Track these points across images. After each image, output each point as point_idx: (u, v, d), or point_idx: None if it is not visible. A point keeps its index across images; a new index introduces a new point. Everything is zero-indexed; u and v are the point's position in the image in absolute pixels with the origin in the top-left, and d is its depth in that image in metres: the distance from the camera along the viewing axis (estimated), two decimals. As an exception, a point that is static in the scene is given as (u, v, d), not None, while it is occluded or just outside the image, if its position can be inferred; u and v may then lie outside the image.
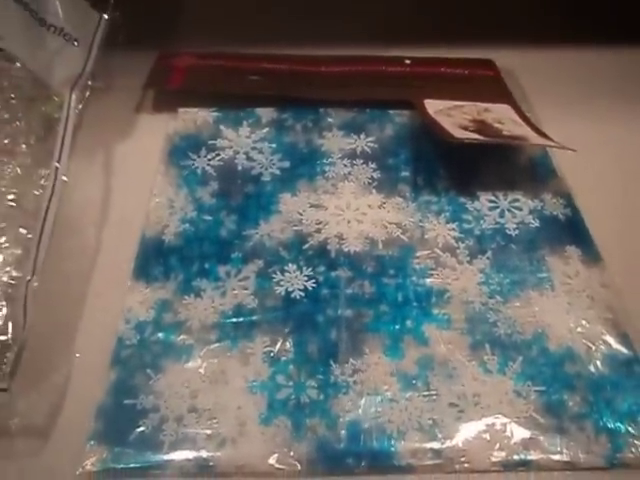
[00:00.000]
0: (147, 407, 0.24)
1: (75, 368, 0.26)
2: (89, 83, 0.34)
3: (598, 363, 0.26)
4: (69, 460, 0.23)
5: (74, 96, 0.32)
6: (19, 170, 0.28)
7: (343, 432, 0.24)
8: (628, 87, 0.38)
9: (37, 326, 0.25)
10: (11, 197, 0.26)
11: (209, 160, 0.34)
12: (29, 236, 0.25)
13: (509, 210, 0.32)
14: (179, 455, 0.23)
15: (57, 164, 0.28)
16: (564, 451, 0.23)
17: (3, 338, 0.23)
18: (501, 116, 0.36)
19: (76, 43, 0.33)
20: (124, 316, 0.27)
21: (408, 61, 0.40)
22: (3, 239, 0.25)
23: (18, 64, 0.30)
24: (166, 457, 0.23)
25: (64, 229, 0.29)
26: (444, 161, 0.34)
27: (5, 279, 0.24)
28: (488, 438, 0.24)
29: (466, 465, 0.23)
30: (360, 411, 0.24)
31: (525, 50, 0.41)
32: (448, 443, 0.23)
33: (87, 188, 0.32)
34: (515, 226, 0.31)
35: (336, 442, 0.23)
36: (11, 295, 0.24)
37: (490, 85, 0.39)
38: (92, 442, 0.23)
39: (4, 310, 0.24)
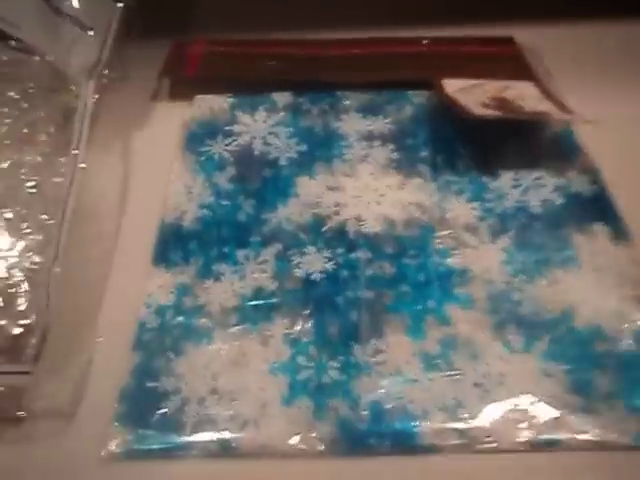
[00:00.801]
0: (169, 389, 0.24)
1: (97, 352, 0.26)
2: (105, 72, 0.34)
3: (628, 341, 0.25)
4: (93, 442, 0.23)
5: (91, 85, 0.32)
6: (39, 158, 0.28)
7: (365, 412, 0.23)
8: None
9: (59, 311, 0.25)
10: (31, 184, 0.27)
11: (226, 145, 0.34)
12: (50, 222, 0.26)
13: (532, 188, 0.31)
14: (201, 436, 0.23)
15: (76, 151, 0.28)
16: (593, 430, 0.23)
17: (27, 322, 0.23)
18: (523, 93, 0.35)
19: (92, 32, 0.33)
20: (145, 300, 0.27)
21: (426, 41, 0.39)
22: (25, 225, 0.25)
23: (36, 56, 0.30)
24: (188, 438, 0.23)
25: (84, 216, 0.29)
26: (464, 140, 0.33)
27: (27, 264, 0.24)
28: (514, 418, 0.23)
29: (492, 445, 0.23)
30: (382, 391, 0.24)
31: (546, 26, 0.40)
32: (473, 423, 0.23)
33: (105, 176, 0.32)
34: (539, 204, 0.30)
35: (358, 422, 0.23)
36: (34, 280, 0.24)
37: (511, 62, 0.38)
38: (115, 424, 0.23)
39: (28, 295, 0.24)
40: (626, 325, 0.26)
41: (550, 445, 0.23)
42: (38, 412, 0.24)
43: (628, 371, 0.24)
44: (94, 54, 0.33)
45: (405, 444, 0.23)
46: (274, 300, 0.27)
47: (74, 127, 0.30)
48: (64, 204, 0.26)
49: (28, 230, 0.25)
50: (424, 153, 0.33)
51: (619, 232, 0.29)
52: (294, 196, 0.31)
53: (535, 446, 0.23)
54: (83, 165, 0.29)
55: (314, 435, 0.23)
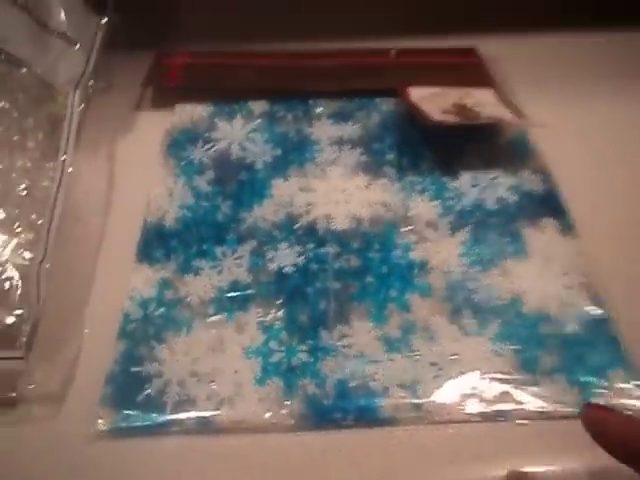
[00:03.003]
0: (152, 373, 0.26)
1: (85, 342, 0.28)
2: (91, 83, 0.36)
3: (571, 323, 0.28)
4: (82, 422, 0.25)
5: (77, 95, 0.34)
6: (29, 163, 0.30)
7: (331, 390, 0.26)
8: (602, 71, 0.40)
9: (50, 305, 0.27)
10: (23, 187, 0.29)
11: (205, 151, 0.36)
12: (40, 222, 0.28)
13: (489, 187, 0.34)
14: (181, 415, 0.25)
15: (63, 157, 0.31)
16: (538, 402, 0.25)
17: (19, 312, 0.25)
18: (482, 100, 0.38)
19: (77, 45, 0.35)
20: (129, 294, 0.29)
21: (393, 52, 0.42)
22: (17, 224, 0.27)
23: (25, 69, 0.32)
24: (170, 417, 0.25)
25: (72, 217, 0.31)
26: (427, 144, 0.36)
27: (19, 261, 0.26)
28: (466, 392, 0.25)
29: (446, 417, 0.25)
30: (347, 371, 0.26)
31: (506, 38, 0.43)
32: (429, 398, 0.25)
33: (92, 179, 0.34)
34: (494, 202, 0.33)
35: (325, 399, 0.25)
36: (25, 275, 0.26)
37: (473, 71, 0.41)
38: (103, 405, 0.25)
39: (20, 288, 0.26)
40: (569, 310, 0.28)
41: (499, 416, 0.25)
42: (31, 396, 0.25)
43: (570, 350, 0.27)
44: (80, 66, 0.35)
45: (368, 418, 0.25)
46: (249, 291, 0.29)
47: (62, 134, 0.32)
48: (53, 206, 0.28)
49: (19, 229, 0.27)
50: (390, 156, 0.35)
51: (566, 226, 0.32)
52: (269, 197, 0.33)
53: (485, 417, 0.25)
54: (71, 170, 0.31)
55: (285, 411, 0.25)
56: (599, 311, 0.28)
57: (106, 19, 0.38)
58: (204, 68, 0.41)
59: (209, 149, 0.36)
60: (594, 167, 0.35)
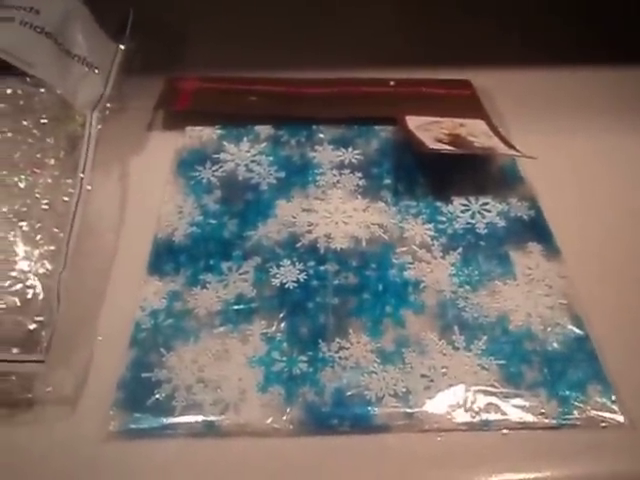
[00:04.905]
0: (161, 379, 0.28)
1: (97, 349, 0.29)
2: (108, 105, 0.38)
3: (553, 341, 0.30)
4: (94, 423, 0.27)
5: (95, 116, 0.36)
6: (50, 180, 0.32)
7: (329, 398, 0.27)
8: (589, 105, 0.43)
9: (65, 313, 0.29)
10: (45, 202, 0.31)
11: (213, 171, 0.38)
12: (61, 235, 0.30)
13: (479, 212, 0.36)
14: (189, 418, 0.27)
15: (82, 175, 0.33)
16: (520, 413, 0.27)
17: (40, 319, 0.27)
18: (475, 130, 0.40)
19: (97, 70, 0.38)
20: (140, 305, 0.31)
21: (393, 82, 0.45)
22: (39, 236, 0.29)
23: (48, 90, 0.35)
24: (178, 420, 0.27)
25: (86, 232, 0.33)
26: (423, 170, 0.38)
27: (42, 270, 0.28)
28: (454, 403, 0.27)
29: (435, 425, 0.27)
30: (344, 381, 0.28)
31: (499, 71, 0.45)
32: (419, 407, 0.27)
33: (105, 196, 0.36)
34: (484, 226, 0.35)
35: (323, 406, 0.27)
36: (46, 284, 0.28)
37: (466, 103, 0.43)
38: (114, 408, 0.27)
39: (41, 296, 0.28)
40: (551, 329, 0.30)
41: (484, 425, 0.27)
42: (46, 398, 0.27)
43: (551, 366, 0.29)
44: (99, 89, 0.37)
45: (362, 425, 0.27)
46: (253, 305, 0.31)
47: (80, 153, 0.34)
48: (72, 220, 0.30)
49: (42, 241, 0.29)
50: (387, 181, 0.38)
51: (551, 250, 0.34)
52: (273, 217, 0.35)
53: (471, 426, 0.27)
54: (89, 187, 0.33)
55: (285, 417, 0.27)
56: (578, 330, 0.30)
57: (123, 46, 0.40)
58: (213, 93, 0.43)
59: (217, 170, 0.38)
60: (580, 196, 0.37)
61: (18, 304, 0.27)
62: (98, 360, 0.29)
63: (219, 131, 0.40)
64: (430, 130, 0.40)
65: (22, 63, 0.34)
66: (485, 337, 0.30)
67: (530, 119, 0.42)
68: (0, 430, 0.27)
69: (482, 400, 0.27)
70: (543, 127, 0.41)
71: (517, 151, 0.38)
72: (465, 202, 0.36)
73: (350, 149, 0.39)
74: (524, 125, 0.41)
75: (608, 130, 0.41)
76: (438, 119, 0.41)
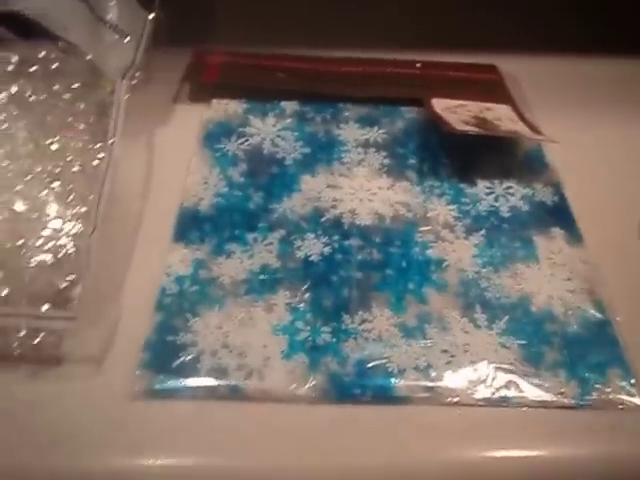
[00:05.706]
0: (186, 342, 0.28)
1: (124, 312, 0.30)
2: (136, 74, 0.38)
3: (574, 324, 0.30)
4: (120, 383, 0.27)
5: (124, 84, 0.36)
6: (80, 144, 0.32)
7: (351, 369, 0.28)
8: (615, 93, 0.43)
9: (93, 275, 0.30)
10: (76, 165, 0.31)
11: (239, 144, 0.38)
12: (91, 197, 0.30)
13: (503, 196, 0.36)
14: (213, 381, 0.27)
15: (112, 140, 0.33)
16: (538, 392, 0.27)
17: (71, 277, 0.28)
18: (501, 115, 0.40)
19: (128, 38, 0.38)
20: (165, 271, 0.31)
21: (419, 64, 0.45)
22: (70, 197, 0.30)
23: (80, 56, 0.35)
24: (202, 382, 0.27)
25: (114, 198, 0.33)
26: (448, 152, 0.38)
27: (74, 231, 0.28)
28: (474, 379, 0.28)
29: (455, 399, 0.27)
30: (366, 353, 0.28)
31: (525, 57, 0.45)
32: (440, 381, 0.28)
33: (132, 165, 0.36)
34: (508, 209, 0.35)
35: (345, 376, 0.28)
36: (78, 244, 0.28)
37: (493, 88, 0.43)
38: (140, 369, 0.27)
39: (72, 256, 0.28)
40: (572, 312, 0.30)
41: (503, 402, 0.27)
42: (74, 356, 0.28)
43: (572, 348, 0.29)
44: (129, 57, 0.37)
45: (383, 395, 0.27)
46: (278, 275, 0.31)
47: (109, 120, 0.34)
48: (102, 183, 0.31)
49: (74, 202, 0.29)
50: (412, 161, 0.38)
51: (574, 236, 0.34)
52: (298, 191, 0.36)
53: (490, 402, 0.27)
54: (117, 153, 0.33)
55: (308, 385, 0.27)
56: (599, 315, 0.30)
57: (153, 15, 0.40)
58: (239, 67, 0.43)
59: (242, 143, 0.38)
60: (604, 183, 0.37)
61: (50, 262, 0.27)
62: (124, 322, 0.29)
63: (245, 105, 0.41)
64: (456, 113, 0.40)
65: (56, 27, 0.34)
66: (507, 317, 0.30)
67: (556, 105, 0.42)
68: (28, 386, 0.27)
69: (502, 378, 0.28)
70: (569, 114, 0.41)
71: (543, 136, 0.38)
72: (489, 185, 0.37)
73: (375, 128, 0.40)
74: (550, 111, 0.41)
75: (635, 118, 0.41)
76: (464, 102, 0.41)
